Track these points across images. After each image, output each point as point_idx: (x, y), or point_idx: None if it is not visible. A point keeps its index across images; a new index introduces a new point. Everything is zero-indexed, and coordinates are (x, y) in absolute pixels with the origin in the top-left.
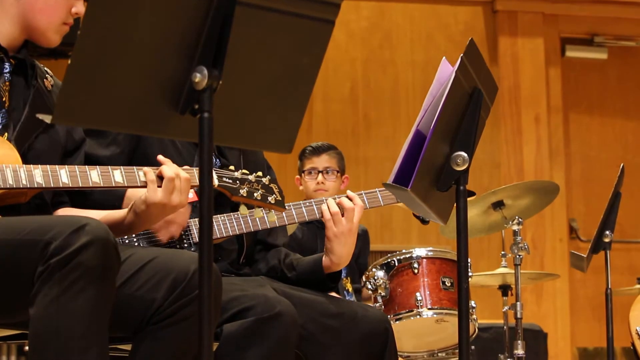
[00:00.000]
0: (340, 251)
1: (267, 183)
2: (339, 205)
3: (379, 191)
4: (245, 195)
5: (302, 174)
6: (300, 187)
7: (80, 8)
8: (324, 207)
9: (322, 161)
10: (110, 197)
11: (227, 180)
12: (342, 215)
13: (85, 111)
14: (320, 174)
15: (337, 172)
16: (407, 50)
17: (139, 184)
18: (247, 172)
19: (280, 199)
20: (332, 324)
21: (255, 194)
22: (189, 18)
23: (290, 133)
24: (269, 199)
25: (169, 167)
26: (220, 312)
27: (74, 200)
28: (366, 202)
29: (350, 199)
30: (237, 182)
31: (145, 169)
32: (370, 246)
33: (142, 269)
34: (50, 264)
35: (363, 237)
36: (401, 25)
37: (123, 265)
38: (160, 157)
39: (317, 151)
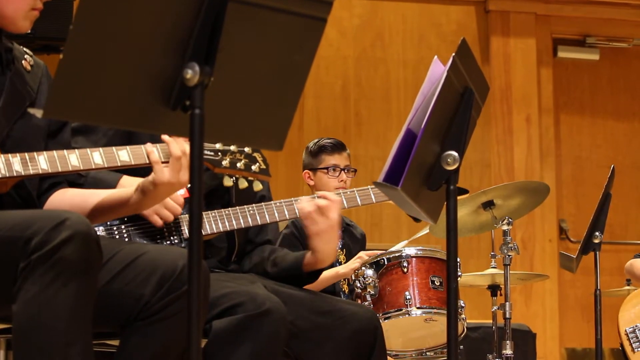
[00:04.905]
0: (323, 248)
1: (250, 152)
2: (315, 204)
3: (371, 188)
4: (228, 166)
5: (320, 171)
6: (310, 182)
7: None
8: (300, 207)
9: (343, 159)
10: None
11: (209, 152)
12: (320, 213)
13: (77, 106)
14: (342, 172)
15: (354, 170)
16: (399, 49)
17: (118, 164)
18: None
19: (264, 167)
20: (322, 321)
21: (238, 164)
22: (181, 14)
23: (282, 130)
24: (253, 167)
25: (175, 145)
26: (207, 309)
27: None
28: (358, 200)
29: (325, 198)
30: (219, 153)
31: (149, 148)
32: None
33: (130, 264)
34: (31, 260)
35: (362, 242)
36: (393, 23)
37: (111, 261)
38: (165, 137)
39: (339, 148)
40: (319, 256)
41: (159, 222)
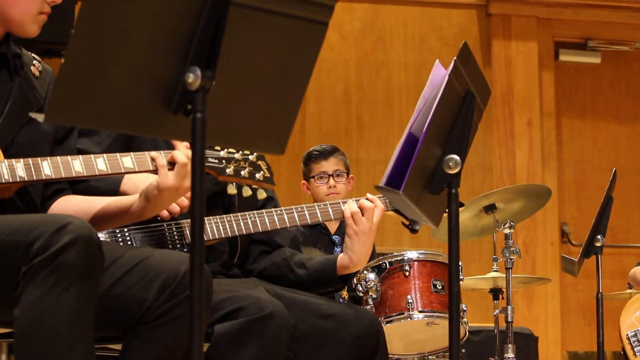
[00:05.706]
0: (360, 250)
1: (254, 160)
2: (359, 206)
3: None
4: (232, 174)
5: (311, 179)
6: (308, 192)
7: None
8: (345, 207)
9: (331, 164)
10: (107, 185)
11: (213, 160)
12: (363, 215)
13: (78, 110)
14: (330, 178)
15: (346, 173)
16: (400, 53)
17: (122, 171)
18: (233, 150)
19: (268, 175)
20: (324, 325)
21: (242, 172)
22: (182, 18)
23: (283, 134)
24: (257, 176)
25: (181, 152)
26: (210, 313)
27: (74, 187)
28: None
29: (371, 201)
30: (223, 161)
31: (154, 154)
32: None
33: (133, 269)
34: (33, 264)
35: None
36: (395, 27)
37: (114, 266)
38: (175, 141)
39: (325, 155)
40: (353, 257)
41: (164, 213)
